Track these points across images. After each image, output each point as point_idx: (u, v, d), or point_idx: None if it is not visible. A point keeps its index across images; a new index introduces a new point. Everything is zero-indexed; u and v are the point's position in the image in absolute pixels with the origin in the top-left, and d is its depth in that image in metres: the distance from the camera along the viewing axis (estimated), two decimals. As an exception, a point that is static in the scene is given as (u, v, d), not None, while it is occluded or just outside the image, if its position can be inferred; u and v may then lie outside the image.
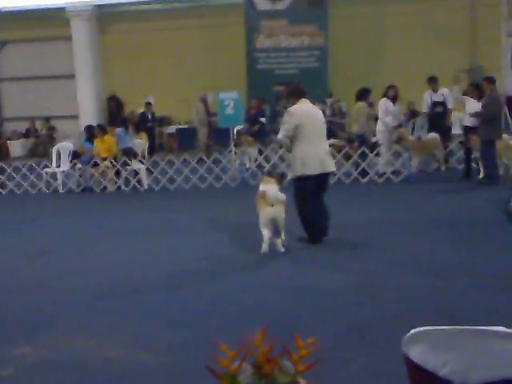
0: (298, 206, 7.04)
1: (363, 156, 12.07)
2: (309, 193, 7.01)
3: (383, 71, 18.84)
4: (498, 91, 11.43)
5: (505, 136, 11.66)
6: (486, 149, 10.84)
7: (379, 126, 12.42)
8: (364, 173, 12.04)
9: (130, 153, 13.08)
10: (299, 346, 2.24)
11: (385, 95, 12.64)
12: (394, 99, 12.73)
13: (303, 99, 7.19)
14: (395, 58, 19.39)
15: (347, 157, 12.25)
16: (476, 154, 11.42)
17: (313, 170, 6.94)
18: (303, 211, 7.03)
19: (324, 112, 17.39)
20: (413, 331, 2.19)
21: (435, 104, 13.02)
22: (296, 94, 7.20)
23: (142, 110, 19.12)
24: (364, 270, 6.03)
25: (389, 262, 6.31)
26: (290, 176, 7.06)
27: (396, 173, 12.06)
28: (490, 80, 11.11)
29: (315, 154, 6.96)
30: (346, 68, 19.41)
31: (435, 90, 13.02)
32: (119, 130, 13.34)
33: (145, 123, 17.89)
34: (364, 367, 3.82)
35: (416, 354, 2.16)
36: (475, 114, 11.12)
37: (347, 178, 12.04)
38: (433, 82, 13.03)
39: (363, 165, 12.01)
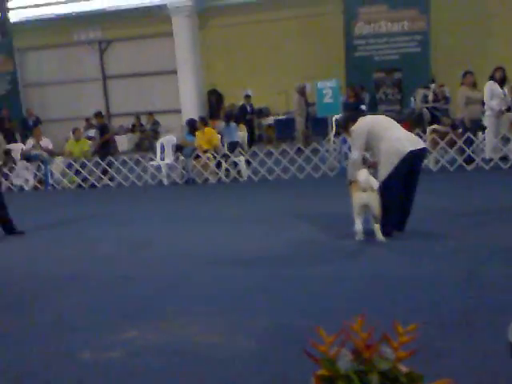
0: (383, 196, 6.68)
1: (469, 142, 11.60)
2: (401, 181, 6.71)
3: (490, 53, 18.00)
4: None
5: None
6: None
7: (486, 110, 11.90)
8: (470, 159, 11.57)
9: (236, 146, 13.32)
10: (399, 333, 2.20)
11: (491, 77, 12.08)
12: (501, 82, 12.14)
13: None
14: (503, 39, 18.46)
15: (451, 143, 11.82)
16: None
17: (404, 148, 6.57)
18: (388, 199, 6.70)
19: (426, 97, 16.93)
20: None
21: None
22: (352, 120, 7.06)
23: (241, 102, 19.43)
24: (467, 260, 5.80)
25: (495, 251, 6.03)
26: (380, 178, 6.75)
27: (504, 159, 11.51)
28: None
29: (398, 137, 6.68)
30: (449, 52, 18.71)
31: None
32: (230, 125, 13.66)
33: (244, 115, 18.17)
34: (466, 358, 3.68)
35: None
36: None
37: (452, 165, 11.62)
38: None
39: (468, 151, 11.55)
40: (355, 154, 6.89)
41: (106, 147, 14.90)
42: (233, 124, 13.96)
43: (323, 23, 20.12)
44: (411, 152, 6.58)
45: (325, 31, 20.06)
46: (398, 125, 7.05)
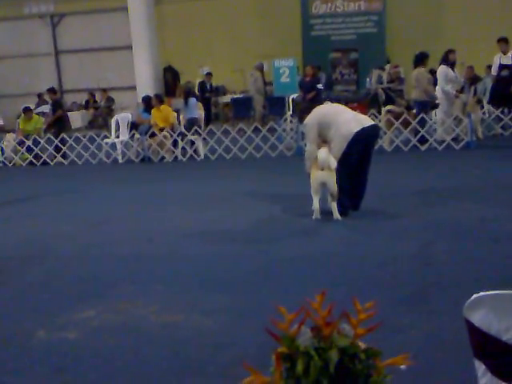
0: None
1: (422, 123, 11.81)
2: (352, 162, 6.86)
3: (443, 34, 18.30)
4: None
5: None
6: None
7: (438, 94, 12.09)
8: (423, 140, 11.78)
9: (194, 123, 13.21)
10: (358, 310, 2.24)
11: (443, 60, 12.26)
12: (453, 65, 12.34)
13: None
14: (456, 20, 18.78)
15: (406, 124, 12.00)
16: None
17: (350, 130, 6.71)
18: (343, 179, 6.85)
19: (381, 78, 17.12)
20: (475, 295, 2.14)
21: (502, 67, 12.54)
22: (307, 113, 7.21)
23: (198, 79, 19.28)
24: (423, 237, 5.94)
25: (450, 229, 6.19)
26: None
27: (456, 140, 11.77)
28: None
29: (345, 120, 6.81)
30: (404, 33, 18.92)
31: (505, 52, 12.54)
32: (189, 101, 13.52)
33: (203, 93, 18.06)
34: (424, 333, 3.79)
35: (478, 318, 2.12)
36: None
37: (406, 145, 11.82)
38: (502, 42, 12.53)
39: (422, 132, 11.75)
40: (309, 147, 7.08)
41: (58, 124, 14.59)
42: (192, 100, 13.83)
43: (280, 1, 20.05)
44: (359, 132, 6.72)
45: (282, 10, 20.00)
46: (347, 109, 7.23)
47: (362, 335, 2.19)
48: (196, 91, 17.89)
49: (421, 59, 12.09)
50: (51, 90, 15.23)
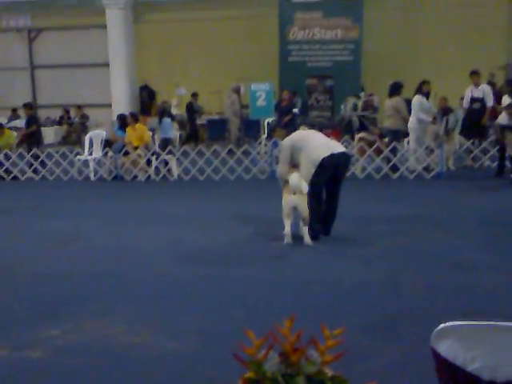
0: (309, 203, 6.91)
1: (394, 151, 11.97)
2: (322, 186, 7.00)
3: (418, 65, 18.62)
4: None
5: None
6: None
7: (412, 123, 12.28)
8: (395, 168, 11.93)
9: (168, 143, 13.21)
10: (326, 336, 2.24)
11: (418, 90, 12.49)
12: (427, 95, 12.58)
13: None
14: (430, 51, 19.15)
15: (378, 152, 12.15)
16: (510, 153, 11.24)
17: (318, 156, 6.83)
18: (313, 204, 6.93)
19: (356, 106, 17.34)
20: (442, 325, 2.17)
21: (473, 100, 12.82)
22: (279, 129, 7.48)
23: (174, 100, 19.33)
24: (392, 265, 5.99)
25: (416, 258, 6.26)
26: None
27: (427, 169, 11.94)
28: None
29: (315, 146, 6.94)
30: (379, 62, 19.22)
31: (476, 85, 12.83)
32: (164, 121, 13.54)
33: (192, 114, 18.18)
34: (389, 361, 3.80)
35: (445, 348, 2.14)
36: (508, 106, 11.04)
37: (377, 173, 11.95)
38: (475, 76, 12.82)
39: (394, 160, 11.90)
40: (280, 166, 7.28)
41: (31, 139, 14.42)
42: (167, 120, 13.84)
43: (259, 26, 20.24)
44: (327, 158, 6.83)
45: (261, 34, 20.19)
46: (321, 135, 7.38)
47: (329, 362, 2.19)
48: (172, 110, 17.91)
49: (396, 88, 12.31)
50: (27, 106, 15.07)
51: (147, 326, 4.50)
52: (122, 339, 4.27)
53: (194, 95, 19.04)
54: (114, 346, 4.15)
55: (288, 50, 19.76)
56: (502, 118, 11.46)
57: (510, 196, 9.69)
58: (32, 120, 14.74)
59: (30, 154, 13.40)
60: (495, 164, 11.88)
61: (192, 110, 18.69)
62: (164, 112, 14.30)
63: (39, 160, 13.54)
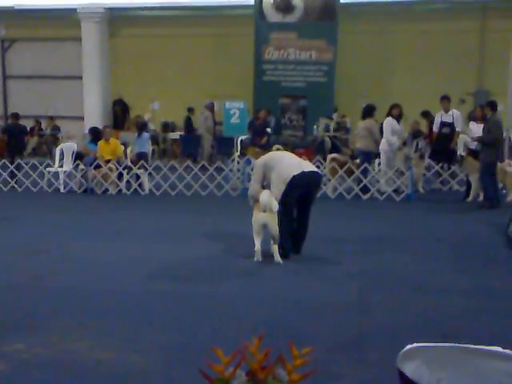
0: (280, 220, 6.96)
1: (365, 172, 12.11)
2: (292, 205, 7.06)
3: (390, 88, 18.91)
4: (499, 116, 11.44)
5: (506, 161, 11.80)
6: (485, 172, 10.89)
7: (383, 145, 12.45)
8: (366, 189, 12.05)
9: (143, 157, 13.17)
10: (294, 355, 2.25)
11: (389, 114, 12.68)
12: (398, 118, 12.78)
13: None
14: (402, 77, 19.46)
15: (349, 172, 12.27)
16: (473, 177, 11.44)
17: (289, 174, 6.91)
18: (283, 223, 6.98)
19: (328, 127, 17.50)
20: (408, 347, 2.19)
21: (443, 124, 13.05)
22: (248, 147, 7.56)
23: (147, 114, 19.27)
24: (360, 285, 6.04)
25: (385, 278, 6.33)
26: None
27: (397, 191, 12.09)
28: (492, 105, 11.14)
29: (286, 165, 7.04)
30: (352, 84, 19.46)
31: (446, 110, 13.07)
32: (142, 135, 13.54)
33: (190, 128, 18.16)
34: (357, 382, 3.82)
35: (411, 369, 2.16)
36: (477, 138, 11.23)
37: (348, 193, 12.05)
38: (445, 101, 13.06)
39: (365, 181, 12.03)
40: (252, 185, 7.32)
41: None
42: (145, 134, 13.85)
43: (235, 44, 20.35)
44: (297, 176, 6.90)
45: (236, 52, 20.30)
46: (294, 156, 7.51)
47: (296, 381, 2.20)
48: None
49: (369, 111, 12.49)
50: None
51: (114, 342, 4.45)
52: (89, 354, 4.21)
53: (190, 110, 18.94)
54: (81, 361, 4.09)
55: (263, 69, 19.87)
56: (471, 144, 11.71)
57: (476, 220, 9.85)
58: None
59: (-1, 164, 13.23)
60: (464, 188, 12.09)
61: (189, 124, 18.67)
62: (143, 126, 14.29)
63: (8, 171, 13.34)
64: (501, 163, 11.36)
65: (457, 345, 2.11)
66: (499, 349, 2.05)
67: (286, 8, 19.55)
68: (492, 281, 6.29)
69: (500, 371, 2.00)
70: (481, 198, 11.31)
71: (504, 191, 11.87)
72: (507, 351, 2.03)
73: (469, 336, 4.50)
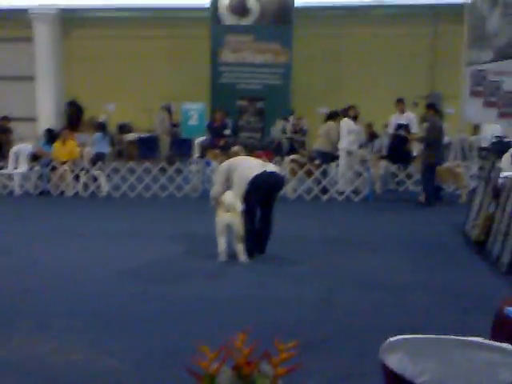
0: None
1: (324, 174, 12.24)
2: (255, 205, 7.11)
3: (344, 92, 19.12)
4: (438, 119, 11.78)
5: (454, 162, 12.19)
6: (425, 173, 11.28)
7: (341, 146, 12.59)
8: (325, 190, 12.17)
9: (102, 157, 13.01)
10: (280, 350, 2.27)
11: (345, 115, 12.86)
12: (354, 119, 12.96)
13: None
14: (356, 77, 19.71)
15: (309, 173, 12.38)
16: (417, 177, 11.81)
17: (252, 172, 7.00)
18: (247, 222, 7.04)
19: (285, 129, 17.61)
20: (391, 339, 2.23)
21: (398, 126, 13.30)
22: (209, 148, 7.63)
23: (102, 115, 18.98)
24: (324, 284, 6.11)
25: (346, 277, 6.43)
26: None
27: (356, 192, 12.26)
28: (434, 107, 11.54)
29: (247, 166, 7.15)
30: (307, 87, 19.62)
31: (401, 112, 13.33)
32: (97, 134, 13.37)
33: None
34: (327, 379, 3.86)
35: (394, 361, 2.20)
36: (419, 139, 11.65)
37: (308, 194, 12.15)
38: (400, 103, 13.33)
39: (324, 182, 12.16)
40: (215, 187, 7.36)
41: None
42: (105, 135, 13.74)
43: (191, 46, 20.26)
44: (259, 175, 7.00)
45: (192, 54, 20.21)
46: (252, 158, 7.64)
47: (282, 375, 2.22)
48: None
49: (332, 116, 12.82)
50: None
51: (80, 344, 4.38)
52: (55, 357, 4.13)
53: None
54: (48, 365, 4.01)
55: (219, 72, 19.85)
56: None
57: (433, 218, 10.06)
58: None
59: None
60: (419, 188, 12.34)
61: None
62: (103, 127, 14.16)
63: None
64: (440, 164, 11.67)
65: (439, 336, 2.16)
66: (481, 339, 2.11)
67: (241, 11, 19.59)
68: (449, 276, 6.45)
69: (482, 361, 2.05)
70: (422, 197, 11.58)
71: (458, 192, 12.18)
72: (491, 342, 2.08)
73: (437, 330, 4.59)
